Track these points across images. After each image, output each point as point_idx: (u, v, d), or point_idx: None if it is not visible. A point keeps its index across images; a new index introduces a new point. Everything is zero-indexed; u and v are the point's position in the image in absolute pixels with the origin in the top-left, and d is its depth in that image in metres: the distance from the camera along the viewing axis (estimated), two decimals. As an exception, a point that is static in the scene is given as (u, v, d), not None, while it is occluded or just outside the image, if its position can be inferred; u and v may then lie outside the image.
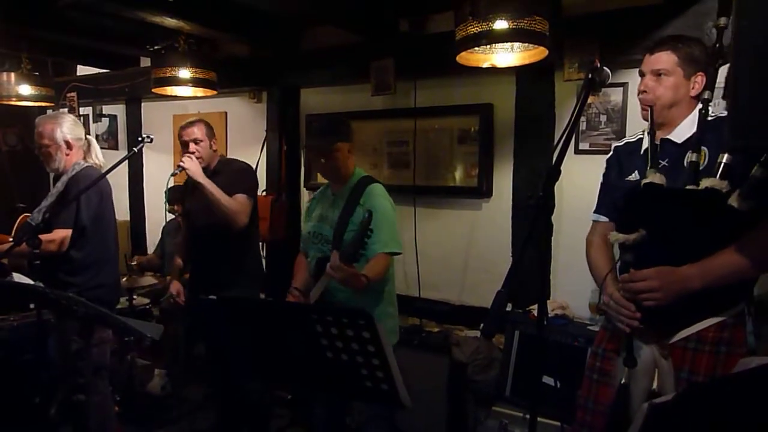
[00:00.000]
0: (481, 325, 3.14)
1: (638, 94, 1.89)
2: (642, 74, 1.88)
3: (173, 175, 3.06)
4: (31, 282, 2.61)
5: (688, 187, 1.69)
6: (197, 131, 3.08)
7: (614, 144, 2.08)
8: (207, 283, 3.05)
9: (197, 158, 3.02)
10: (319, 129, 2.61)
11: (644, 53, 1.89)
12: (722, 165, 1.66)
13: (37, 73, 4.50)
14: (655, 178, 1.77)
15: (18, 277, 2.81)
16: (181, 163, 2.96)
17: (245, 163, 3.27)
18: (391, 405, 1.52)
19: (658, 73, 1.82)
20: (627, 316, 1.74)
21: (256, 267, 3.30)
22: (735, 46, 1.30)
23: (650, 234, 1.74)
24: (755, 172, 1.59)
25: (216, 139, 3.18)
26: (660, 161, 1.82)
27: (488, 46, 2.38)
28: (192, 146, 3.05)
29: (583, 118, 3.26)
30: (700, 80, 1.81)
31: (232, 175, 3.11)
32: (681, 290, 1.66)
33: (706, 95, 1.78)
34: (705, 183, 1.66)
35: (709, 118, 1.77)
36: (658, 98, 1.82)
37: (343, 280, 2.15)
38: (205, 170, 3.05)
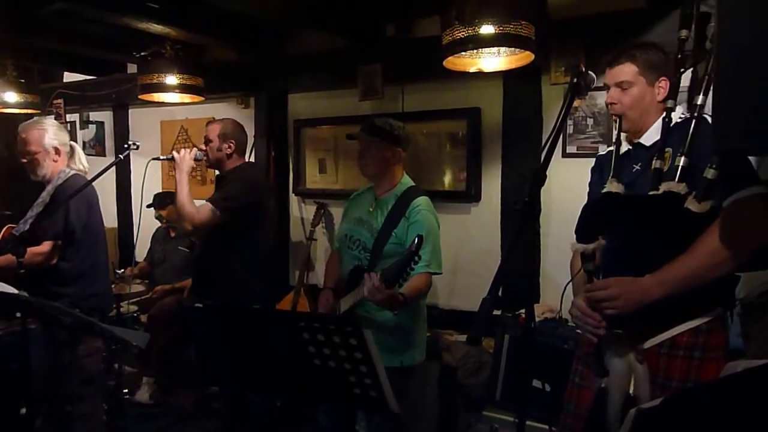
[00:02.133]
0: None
1: (607, 106, 1.92)
2: (607, 86, 1.90)
3: (156, 159, 3.05)
4: (15, 291, 2.58)
5: (650, 192, 1.71)
6: (212, 131, 3.05)
7: (599, 152, 2.10)
8: (202, 290, 3.03)
9: (205, 157, 3.03)
10: (371, 125, 2.53)
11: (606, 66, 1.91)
12: (679, 168, 1.67)
13: (23, 80, 4.46)
14: (613, 187, 1.79)
15: (1, 287, 2.77)
16: (174, 153, 2.94)
17: (253, 175, 3.14)
18: (379, 412, 1.51)
19: (621, 86, 1.85)
20: (592, 325, 1.74)
21: (250, 274, 3.15)
22: (717, 50, 1.31)
23: (612, 242, 1.75)
24: (707, 174, 1.60)
25: (232, 144, 3.05)
26: (634, 165, 1.84)
27: (475, 51, 2.39)
28: (203, 145, 3.07)
29: (570, 122, 3.27)
30: (664, 84, 1.83)
31: (225, 182, 3.02)
32: (640, 300, 1.65)
33: (669, 104, 1.81)
34: (664, 186, 1.68)
35: (677, 121, 1.79)
36: (627, 108, 1.84)
37: (380, 302, 2.14)
38: (218, 171, 3.11)
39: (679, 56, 1.89)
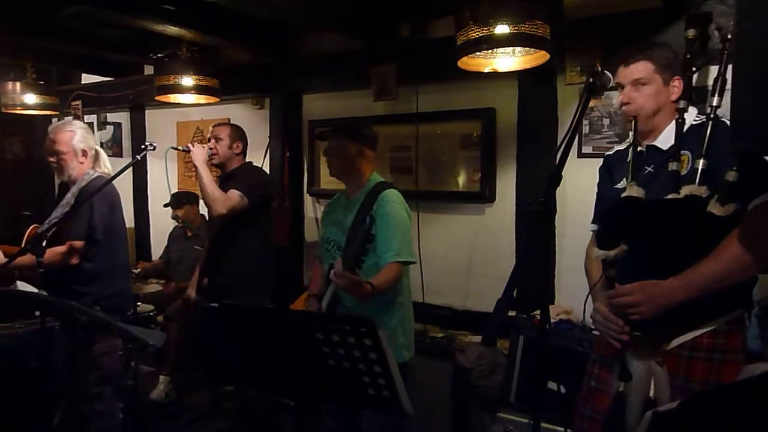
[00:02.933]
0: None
1: (620, 107, 1.89)
2: (621, 86, 1.88)
3: (173, 148, 3.33)
4: (35, 290, 2.61)
5: (670, 196, 1.69)
6: (222, 130, 3.29)
7: (606, 153, 2.08)
8: (216, 290, 3.13)
9: (213, 155, 3.22)
10: (334, 127, 2.66)
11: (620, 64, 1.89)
12: (699, 171, 1.66)
13: (41, 82, 4.52)
14: (633, 191, 1.77)
15: (22, 285, 2.82)
16: (189, 145, 3.17)
17: (264, 174, 3.43)
18: (393, 413, 1.51)
19: (637, 83, 1.83)
20: (616, 331, 1.72)
21: (263, 275, 3.28)
22: (737, 49, 1.29)
23: (633, 248, 1.73)
24: (728, 176, 1.59)
25: (240, 144, 3.32)
26: (646, 167, 1.83)
27: (489, 51, 2.38)
28: (212, 142, 3.26)
29: (585, 122, 3.25)
30: (678, 84, 1.82)
31: (239, 175, 3.21)
32: (665, 303, 1.64)
33: (681, 104, 1.78)
34: (685, 191, 1.66)
35: (693, 123, 1.77)
36: (641, 108, 1.82)
37: (345, 287, 2.11)
38: (222, 170, 3.30)
39: (688, 56, 1.88)
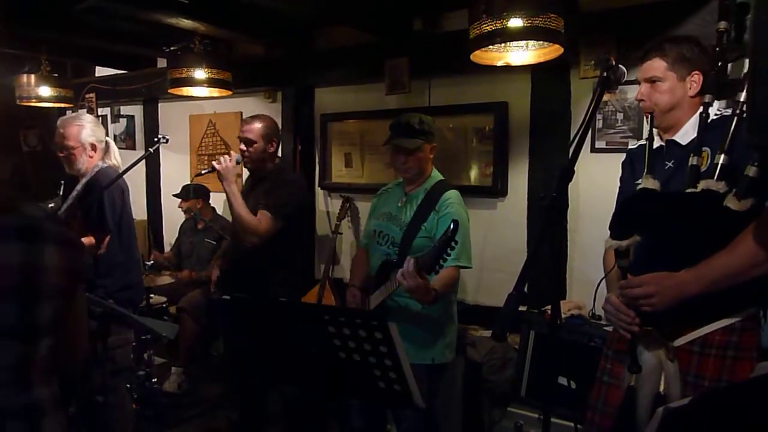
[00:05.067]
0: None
1: (638, 103, 1.89)
2: (639, 82, 1.87)
3: (198, 175, 2.97)
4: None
5: (688, 190, 1.67)
6: (252, 132, 2.91)
7: (629, 146, 2.07)
8: (245, 287, 2.88)
9: (245, 159, 2.91)
10: (407, 127, 2.45)
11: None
12: (719, 165, 1.64)
13: (56, 75, 4.56)
14: (649, 183, 1.76)
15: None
16: (215, 164, 2.80)
17: (297, 176, 3.06)
18: (404, 407, 1.51)
19: (651, 80, 1.82)
20: (626, 322, 1.72)
21: (293, 271, 3.11)
22: (753, 43, 1.27)
23: (647, 239, 1.72)
24: (748, 171, 1.57)
25: (275, 141, 2.99)
26: (666, 162, 1.81)
27: (503, 45, 2.36)
28: (243, 147, 2.92)
29: (599, 116, 3.22)
30: (696, 79, 1.79)
31: (273, 186, 2.91)
32: (677, 295, 1.63)
33: (706, 98, 1.76)
34: (702, 185, 1.65)
35: (714, 118, 1.75)
36: (656, 104, 1.81)
37: (412, 289, 2.08)
38: (254, 172, 3.01)
39: (717, 48, 1.84)
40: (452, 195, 2.43)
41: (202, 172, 2.93)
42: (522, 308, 3.04)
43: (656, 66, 1.80)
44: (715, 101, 1.79)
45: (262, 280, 2.88)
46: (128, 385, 3.07)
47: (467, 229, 2.39)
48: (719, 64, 1.81)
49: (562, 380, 2.54)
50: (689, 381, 1.69)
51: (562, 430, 2.55)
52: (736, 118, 1.67)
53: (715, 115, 1.76)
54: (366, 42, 3.86)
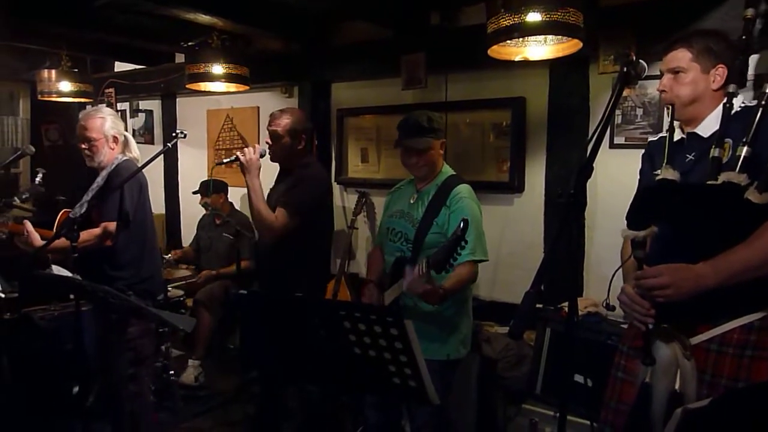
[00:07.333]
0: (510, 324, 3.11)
1: (659, 95, 1.86)
2: (662, 73, 1.84)
3: (220, 164, 2.87)
4: (69, 274, 2.68)
5: (708, 182, 1.65)
6: (279, 126, 2.80)
7: (650, 138, 2.04)
8: (270, 283, 2.93)
9: (271, 154, 2.84)
10: (416, 126, 2.42)
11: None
12: (741, 158, 1.60)
13: (76, 70, 4.62)
14: (668, 173, 1.73)
15: (57, 269, 2.89)
16: (239, 154, 2.70)
17: (317, 172, 2.95)
18: (419, 402, 1.51)
19: (674, 71, 1.78)
20: (641, 313, 1.69)
21: (316, 266, 3.06)
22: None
23: (665, 230, 1.69)
24: None
25: (304, 136, 2.85)
26: (687, 155, 1.78)
27: (521, 39, 2.34)
28: (269, 141, 2.84)
29: (618, 112, 3.19)
30: (721, 72, 1.75)
31: (294, 183, 2.82)
32: (694, 288, 1.59)
33: (731, 89, 1.73)
34: (723, 177, 1.61)
35: (737, 110, 1.71)
36: (677, 96, 1.78)
37: (419, 295, 2.12)
38: (282, 166, 2.94)
39: (744, 37, 1.80)
40: (463, 189, 2.41)
41: (225, 160, 2.84)
42: (538, 305, 3.02)
43: (680, 56, 1.77)
44: (740, 93, 1.76)
45: (281, 275, 2.86)
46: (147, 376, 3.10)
47: (480, 223, 2.39)
48: (749, 53, 1.77)
49: (578, 378, 2.51)
50: (705, 380, 1.66)
51: (578, 428, 2.53)
52: (761, 109, 1.64)
53: (740, 107, 1.73)
54: (383, 37, 3.85)
